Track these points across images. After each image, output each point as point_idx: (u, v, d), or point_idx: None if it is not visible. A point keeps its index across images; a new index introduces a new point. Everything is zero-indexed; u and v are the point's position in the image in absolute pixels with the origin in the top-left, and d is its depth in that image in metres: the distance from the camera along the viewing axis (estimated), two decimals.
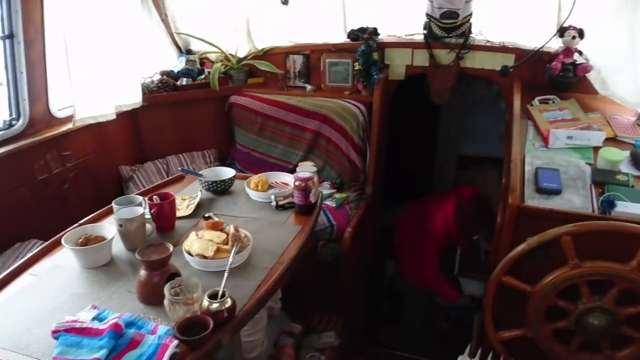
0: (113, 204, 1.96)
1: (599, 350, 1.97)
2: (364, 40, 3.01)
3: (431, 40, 2.97)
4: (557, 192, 2.03)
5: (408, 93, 3.24)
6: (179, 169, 2.44)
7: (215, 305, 1.39)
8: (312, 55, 3.29)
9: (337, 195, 2.87)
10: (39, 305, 1.56)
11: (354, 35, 3.21)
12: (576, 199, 2.01)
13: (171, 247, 1.57)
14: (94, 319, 1.43)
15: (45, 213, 2.68)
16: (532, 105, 2.67)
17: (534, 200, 2.02)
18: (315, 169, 2.15)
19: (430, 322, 3.59)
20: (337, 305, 2.72)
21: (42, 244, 2.41)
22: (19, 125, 2.59)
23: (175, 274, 1.57)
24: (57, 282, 1.68)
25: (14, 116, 2.59)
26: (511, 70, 2.80)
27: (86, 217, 2.08)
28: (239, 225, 1.82)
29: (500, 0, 2.93)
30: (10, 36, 2.45)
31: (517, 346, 2.09)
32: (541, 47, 2.74)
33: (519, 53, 2.86)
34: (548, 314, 1.98)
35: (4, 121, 2.56)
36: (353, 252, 2.60)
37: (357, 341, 2.95)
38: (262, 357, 2.21)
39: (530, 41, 2.88)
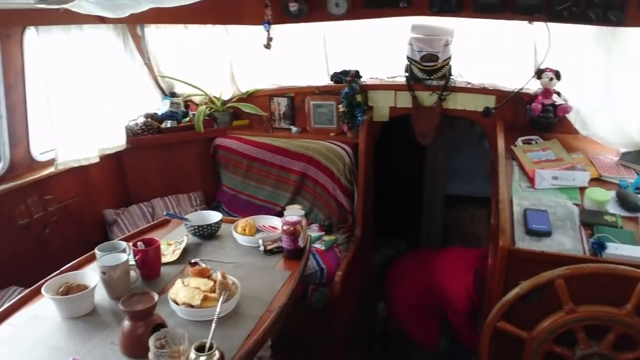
0: (96, 251, 1.91)
1: None
2: (347, 83, 3.05)
3: (413, 82, 3.03)
4: (547, 234, 2.03)
5: (393, 133, 3.27)
6: (164, 213, 2.40)
7: (202, 359, 1.34)
8: (297, 97, 3.32)
9: (325, 238, 2.84)
10: (17, 358, 1.48)
11: (336, 77, 3.25)
12: (566, 241, 2.00)
13: (156, 296, 1.52)
14: None
15: (26, 259, 2.59)
16: (515, 145, 2.71)
17: (524, 243, 2.01)
18: (303, 212, 2.14)
19: None
20: (329, 351, 2.64)
21: (21, 290, 2.33)
22: None
23: (161, 325, 1.51)
24: (37, 334, 1.61)
25: None
26: (493, 111, 2.85)
27: (68, 262, 2.02)
28: (227, 272, 1.77)
29: (478, 44, 3.00)
30: None
31: None
32: (520, 89, 2.81)
33: (500, 94, 2.93)
34: (545, 359, 1.94)
35: None
36: (344, 295, 2.55)
37: None
38: None
39: (510, 83, 2.95)
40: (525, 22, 2.66)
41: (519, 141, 2.74)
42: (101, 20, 2.67)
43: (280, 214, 2.76)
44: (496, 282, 2.03)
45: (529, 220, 2.09)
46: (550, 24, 2.57)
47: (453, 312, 3.03)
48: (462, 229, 4.24)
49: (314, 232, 2.89)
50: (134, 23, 3.05)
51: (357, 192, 3.04)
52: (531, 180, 2.42)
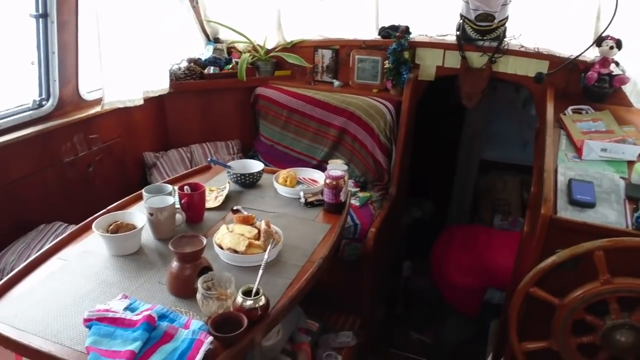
0: (143, 192, 1.95)
1: None
2: (396, 39, 2.97)
3: (464, 42, 2.93)
4: (591, 205, 1.99)
5: (434, 94, 3.20)
6: (208, 159, 2.43)
7: (249, 303, 1.38)
8: (342, 50, 3.25)
9: (360, 194, 2.85)
10: (68, 291, 1.56)
11: (385, 32, 3.17)
12: (610, 214, 1.96)
13: (205, 240, 1.56)
14: (125, 309, 1.42)
15: (70, 195, 2.68)
16: (565, 114, 2.62)
17: (566, 212, 1.97)
18: (346, 167, 2.13)
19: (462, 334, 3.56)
20: (355, 305, 2.70)
21: (66, 226, 2.43)
22: (48, 105, 2.59)
23: (208, 268, 1.56)
24: (87, 268, 1.67)
25: (43, 96, 2.59)
26: (545, 77, 2.75)
27: (109, 200, 2.08)
28: (270, 221, 1.80)
29: (537, 6, 2.88)
30: (44, 15, 2.44)
31: (540, 358, 2.07)
32: (578, 56, 2.69)
33: (554, 60, 2.81)
34: (575, 327, 1.95)
35: (34, 101, 2.56)
36: (376, 252, 2.58)
37: (372, 342, 2.93)
38: (277, 347, 2.20)
39: (565, 49, 2.83)
40: None
41: (569, 110, 2.65)
42: None
43: (316, 167, 2.78)
44: (533, 249, 2.02)
45: (573, 191, 2.05)
46: None
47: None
48: (493, 195, 4.20)
49: (349, 187, 2.89)
50: None
51: (395, 151, 3.02)
52: (578, 150, 2.36)
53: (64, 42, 2.52)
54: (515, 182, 4.19)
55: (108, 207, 1.99)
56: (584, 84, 2.70)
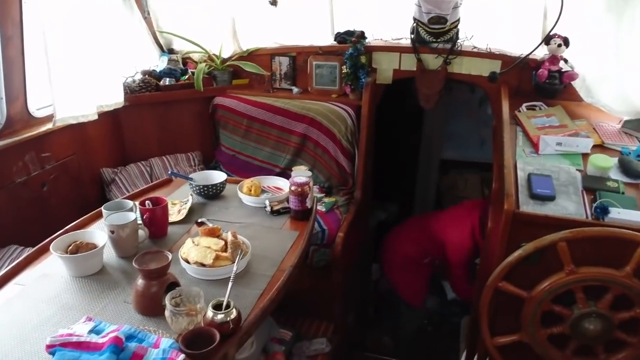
0: (103, 209, 1.88)
1: (594, 354, 1.99)
2: (352, 44, 2.99)
3: (419, 44, 2.98)
4: (551, 198, 2.05)
5: (392, 97, 3.24)
6: (169, 172, 2.37)
7: (220, 317, 1.35)
8: (299, 57, 3.25)
9: (326, 200, 2.85)
10: (28, 317, 1.48)
11: (340, 38, 3.19)
12: (570, 205, 2.03)
13: (170, 255, 1.52)
14: (90, 331, 1.36)
15: (24, 217, 2.56)
16: (520, 111, 2.70)
17: (528, 207, 2.03)
18: (310, 173, 2.12)
19: (413, 325, 3.60)
20: (327, 311, 2.69)
21: (22, 249, 2.32)
22: None
23: (175, 284, 1.52)
24: (46, 292, 1.60)
25: None
26: (499, 76, 2.83)
27: (66, 220, 1.99)
28: (236, 231, 1.77)
29: (487, 7, 2.96)
30: None
31: (512, 352, 2.10)
32: (528, 55, 2.77)
33: (505, 59, 2.90)
34: (544, 319, 2.00)
35: None
36: (345, 257, 2.58)
37: (346, 347, 2.92)
38: (252, 359, 2.16)
39: (516, 48, 2.92)
40: None
41: (523, 107, 2.73)
42: None
43: (280, 175, 2.75)
44: (499, 244, 2.06)
45: (533, 185, 2.10)
46: None
47: (453, 261, 3.16)
48: (455, 193, 4.29)
49: (314, 193, 2.88)
50: None
51: (358, 154, 3.03)
52: (535, 145, 2.43)
53: (9, 57, 2.41)
54: (475, 179, 4.29)
55: (66, 227, 1.90)
56: (535, 81, 2.79)
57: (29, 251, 1.83)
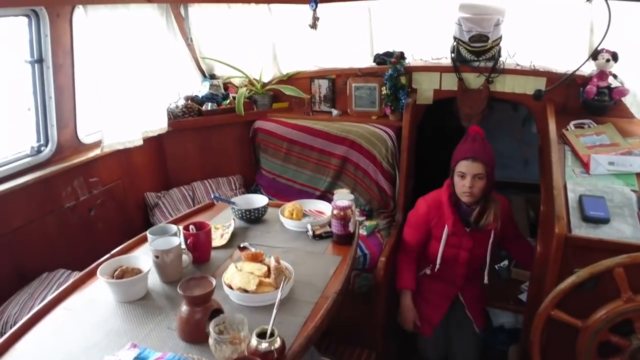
0: (148, 234, 1.90)
1: None
2: (391, 65, 2.98)
3: (460, 63, 2.94)
4: (605, 221, 1.95)
5: (433, 116, 3.19)
6: (212, 197, 2.39)
7: (264, 345, 1.32)
8: (338, 79, 3.26)
9: (367, 223, 2.81)
10: (75, 342, 1.50)
11: (380, 59, 3.18)
12: (626, 228, 1.92)
13: (214, 281, 1.51)
14: (135, 359, 1.36)
15: (72, 241, 2.63)
16: (567, 129, 2.60)
17: (581, 230, 1.93)
18: (352, 196, 2.09)
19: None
20: (368, 339, 2.62)
21: (69, 273, 2.38)
22: (47, 151, 2.57)
23: (219, 310, 1.50)
24: (93, 317, 1.61)
25: (42, 142, 2.57)
26: (544, 94, 2.75)
27: (112, 244, 2.03)
28: (279, 256, 1.75)
29: (530, 23, 2.90)
30: (40, 61, 2.44)
31: None
32: (575, 71, 2.69)
33: (551, 76, 2.82)
34: (600, 350, 1.88)
35: (32, 147, 2.53)
36: (387, 281, 2.52)
37: None
38: None
39: (561, 64, 2.84)
40: (583, 0, 2.53)
41: (571, 125, 2.63)
42: None
43: (320, 198, 2.74)
44: (550, 270, 1.97)
45: (585, 207, 2.01)
46: (611, 1, 2.44)
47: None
48: None
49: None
50: (178, 2, 3.02)
51: (399, 176, 2.99)
52: (585, 165, 2.33)
53: (61, 86, 2.51)
54: (519, 200, 4.14)
55: (112, 252, 1.93)
56: (583, 98, 2.70)
57: (76, 275, 1.87)
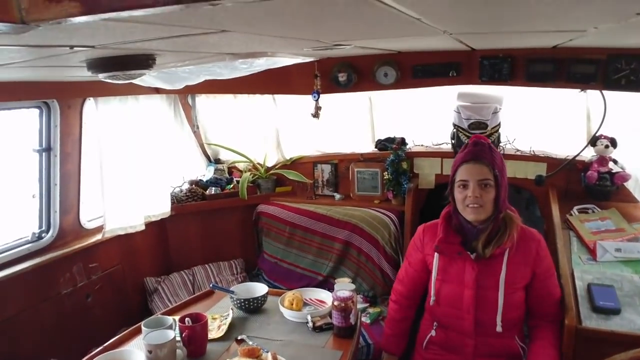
0: (142, 326, 1.84)
1: None
2: (393, 150, 3.03)
3: (459, 149, 2.97)
4: (616, 311, 1.87)
5: (436, 199, 3.19)
6: (210, 285, 2.34)
7: None
8: (340, 164, 3.31)
9: (370, 310, 2.73)
10: None
11: (381, 145, 3.24)
12: (638, 319, 1.84)
13: None
14: None
15: (67, 329, 2.56)
16: (571, 214, 2.58)
17: (591, 321, 1.85)
18: (353, 286, 2.03)
19: None
20: None
21: None
22: (48, 237, 2.57)
23: None
24: None
25: (43, 228, 2.58)
26: (545, 179, 2.76)
27: (108, 331, 2.00)
28: (275, 351, 1.68)
29: (528, 110, 2.97)
30: (48, 149, 2.51)
31: None
32: (575, 157, 2.72)
33: (551, 162, 2.85)
34: None
35: (33, 233, 2.54)
36: None
37: None
38: None
39: (561, 150, 2.87)
40: (578, 90, 2.60)
41: (575, 210, 2.61)
42: (156, 90, 2.76)
43: (322, 283, 2.68)
44: None
45: (595, 297, 1.94)
46: (605, 91, 2.51)
47: None
48: None
49: (358, 303, 2.77)
50: (187, 93, 3.15)
51: (402, 261, 2.93)
52: (592, 252, 2.28)
53: (67, 173, 2.56)
54: None
55: (105, 345, 1.86)
56: (585, 183, 2.70)
57: None
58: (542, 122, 2.94)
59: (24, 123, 2.49)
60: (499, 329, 1.85)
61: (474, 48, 2.48)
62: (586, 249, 2.33)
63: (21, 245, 2.45)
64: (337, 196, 3.26)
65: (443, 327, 1.98)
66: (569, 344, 1.84)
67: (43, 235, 2.56)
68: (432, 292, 1.97)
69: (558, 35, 1.77)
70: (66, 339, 2.53)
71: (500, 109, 2.84)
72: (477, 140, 1.91)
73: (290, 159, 3.43)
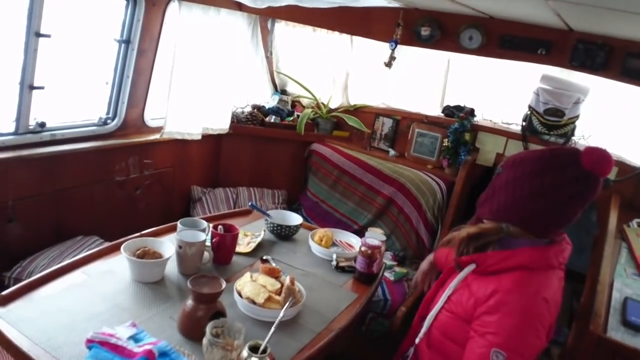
0: (178, 223, 1.94)
1: None
2: (459, 119, 2.93)
3: (529, 133, 2.85)
4: None
5: (488, 179, 3.09)
6: (249, 204, 2.41)
7: (253, 359, 1.29)
8: (402, 121, 3.25)
9: (397, 269, 2.73)
10: (82, 307, 1.53)
11: (448, 111, 3.15)
12: None
13: (224, 284, 1.51)
14: (130, 337, 1.37)
15: (113, 213, 2.73)
16: (629, 226, 2.45)
17: (617, 334, 1.79)
18: (384, 238, 2.04)
19: None
20: None
21: (102, 242, 2.46)
22: (112, 125, 2.70)
23: (221, 313, 1.50)
24: (105, 288, 1.65)
25: (109, 115, 2.71)
26: (612, 184, 2.60)
27: (149, 225, 2.08)
28: (295, 278, 1.73)
29: (612, 109, 2.78)
30: (127, 41, 2.60)
31: None
32: None
33: (623, 167, 2.68)
34: None
35: (100, 118, 2.68)
36: (402, 332, 2.42)
37: None
38: None
39: (637, 157, 2.69)
40: None
41: (634, 223, 2.47)
42: (239, 6, 2.77)
43: (357, 232, 2.69)
44: None
45: (628, 311, 1.86)
46: None
47: None
48: None
49: (386, 259, 2.78)
50: (268, 16, 3.14)
51: (441, 231, 2.90)
52: (639, 267, 2.17)
53: (140, 68, 2.65)
54: (566, 289, 3.90)
55: (142, 232, 1.98)
56: None
57: (106, 245, 1.92)
58: (624, 124, 2.75)
59: (110, 13, 2.57)
60: (416, 339, 1.58)
61: (571, 28, 2.32)
62: (634, 263, 2.22)
63: (87, 127, 2.60)
64: (392, 152, 3.23)
65: None
66: (589, 351, 1.79)
67: (108, 122, 2.69)
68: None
69: None
70: (110, 222, 2.71)
71: (583, 100, 2.68)
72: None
73: (354, 105, 3.39)
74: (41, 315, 1.46)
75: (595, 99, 2.74)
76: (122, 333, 1.38)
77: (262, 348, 1.32)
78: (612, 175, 2.66)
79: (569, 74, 2.73)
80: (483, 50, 2.69)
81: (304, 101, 3.51)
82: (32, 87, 2.24)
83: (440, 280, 1.66)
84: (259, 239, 2.11)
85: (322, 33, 3.27)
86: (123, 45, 2.59)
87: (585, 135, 2.80)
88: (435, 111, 3.22)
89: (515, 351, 1.31)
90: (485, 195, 1.57)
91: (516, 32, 2.60)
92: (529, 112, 2.83)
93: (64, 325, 1.43)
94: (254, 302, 1.60)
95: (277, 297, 1.62)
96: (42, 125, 2.36)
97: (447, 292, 1.52)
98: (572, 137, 2.77)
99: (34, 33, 2.15)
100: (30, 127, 2.33)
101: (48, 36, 2.21)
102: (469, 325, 1.43)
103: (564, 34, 2.45)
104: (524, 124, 2.87)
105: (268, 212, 2.30)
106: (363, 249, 1.94)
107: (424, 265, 2.02)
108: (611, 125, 2.80)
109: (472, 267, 1.49)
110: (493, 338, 1.33)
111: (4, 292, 1.52)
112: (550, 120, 2.74)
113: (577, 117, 2.73)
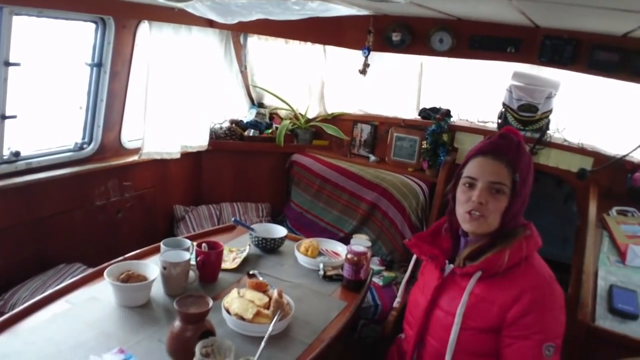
0: (161, 244, 1.92)
1: None
2: (435, 120, 2.97)
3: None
4: (633, 316, 1.82)
5: None
6: (232, 219, 2.40)
7: None
8: (381, 126, 3.27)
9: (385, 274, 2.74)
10: (67, 336, 1.50)
11: (425, 113, 3.18)
12: None
13: (211, 302, 1.49)
14: None
15: (95, 239, 2.70)
16: (608, 214, 2.49)
17: (605, 322, 1.81)
18: (369, 244, 2.04)
19: None
20: None
21: (85, 269, 2.42)
22: (89, 149, 2.67)
23: (210, 332, 1.48)
24: (90, 316, 1.62)
25: (85, 140, 2.68)
26: (589, 174, 2.65)
27: (133, 248, 2.05)
28: (283, 290, 1.72)
29: (584, 101, 2.83)
30: (99, 65, 2.58)
31: None
32: (625, 156, 2.58)
33: (598, 157, 2.73)
34: None
35: (76, 143, 2.65)
36: (395, 336, 2.42)
37: None
38: None
39: (611, 147, 2.75)
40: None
41: (613, 211, 2.52)
42: (209, 23, 2.77)
43: (343, 240, 2.69)
44: (568, 358, 1.84)
45: (614, 298, 1.89)
46: None
47: None
48: None
49: (374, 265, 2.79)
50: (239, 31, 3.16)
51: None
52: (622, 255, 2.21)
53: (114, 91, 2.63)
54: None
55: (125, 256, 1.96)
56: (630, 185, 2.58)
57: (89, 271, 1.89)
58: (596, 115, 2.81)
59: (79, 37, 2.55)
60: None
61: (538, 25, 2.36)
62: (617, 250, 2.25)
63: (63, 153, 2.57)
64: (372, 158, 3.24)
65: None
66: (578, 341, 1.80)
67: (85, 146, 2.66)
68: (399, 298, 2.01)
69: (631, 17, 1.66)
70: (92, 248, 2.67)
71: (554, 94, 2.73)
72: (506, 133, 1.51)
73: (332, 113, 3.41)
74: (26, 347, 1.43)
75: (567, 92, 2.80)
76: None
77: None
78: (587, 165, 2.71)
79: (540, 70, 2.79)
80: (454, 51, 2.73)
81: (282, 113, 3.52)
82: (4, 117, 2.21)
83: (428, 287, 1.59)
84: (244, 254, 2.10)
85: (295, 44, 3.29)
86: (95, 68, 2.57)
87: (559, 129, 2.85)
88: (412, 114, 3.25)
89: (560, 336, 1.42)
90: (520, 206, 1.52)
91: (485, 32, 2.64)
92: (503, 110, 2.87)
93: (50, 355, 1.40)
94: (242, 318, 1.59)
95: (265, 312, 1.61)
96: (17, 154, 2.33)
97: (460, 310, 1.44)
98: (547, 131, 2.82)
99: (3, 62, 2.12)
100: (5, 157, 2.29)
101: (17, 64, 2.18)
102: (497, 334, 1.42)
103: (531, 31, 2.50)
104: (499, 121, 2.91)
105: (252, 226, 2.28)
106: (349, 256, 1.94)
107: None
108: (585, 117, 2.85)
109: (477, 275, 1.46)
110: (540, 336, 1.38)
111: None
112: (525, 115, 2.78)
113: (550, 111, 2.78)
